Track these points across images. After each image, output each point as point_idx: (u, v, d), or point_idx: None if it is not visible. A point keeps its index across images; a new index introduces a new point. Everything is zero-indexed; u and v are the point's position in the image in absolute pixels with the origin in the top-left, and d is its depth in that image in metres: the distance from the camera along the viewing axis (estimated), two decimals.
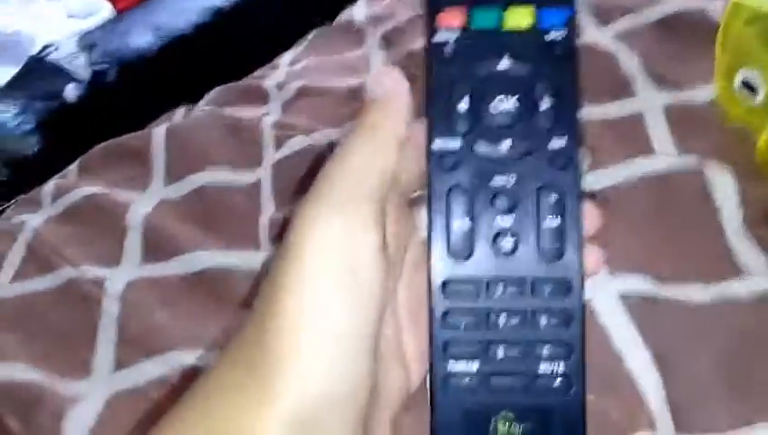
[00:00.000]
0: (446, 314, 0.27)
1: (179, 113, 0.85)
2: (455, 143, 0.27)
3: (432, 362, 0.28)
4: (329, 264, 0.25)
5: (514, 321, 0.27)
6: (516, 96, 0.27)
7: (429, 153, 0.27)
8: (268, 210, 0.67)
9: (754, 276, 0.47)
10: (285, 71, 0.89)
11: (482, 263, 0.27)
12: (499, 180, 0.27)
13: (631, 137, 0.57)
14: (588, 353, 0.27)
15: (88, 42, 1.62)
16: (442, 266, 0.27)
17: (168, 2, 1.71)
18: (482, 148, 0.27)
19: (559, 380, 0.27)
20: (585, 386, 0.27)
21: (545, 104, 0.27)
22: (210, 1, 1.66)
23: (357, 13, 0.94)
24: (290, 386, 0.24)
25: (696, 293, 0.47)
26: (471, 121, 0.27)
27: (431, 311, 0.28)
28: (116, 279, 0.64)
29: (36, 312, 0.65)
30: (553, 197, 0.27)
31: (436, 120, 0.28)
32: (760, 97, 0.52)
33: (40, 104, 1.49)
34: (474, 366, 0.27)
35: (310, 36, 0.96)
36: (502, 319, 0.27)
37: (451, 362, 0.27)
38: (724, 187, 0.50)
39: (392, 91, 0.28)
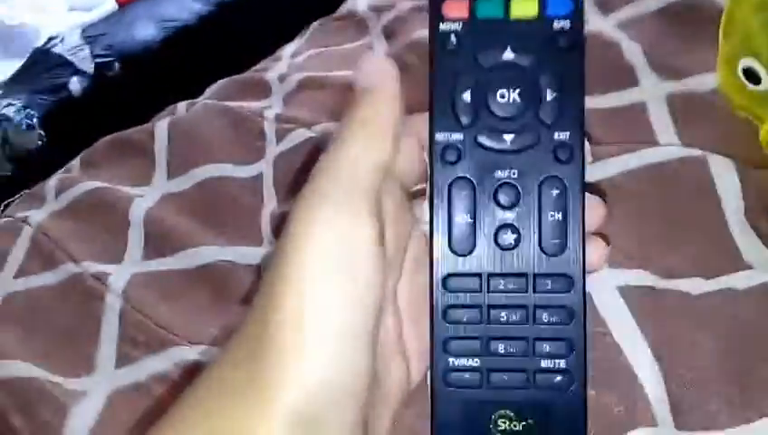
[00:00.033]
0: (447, 309, 0.27)
1: (182, 107, 0.85)
2: (458, 135, 0.27)
3: (433, 357, 0.27)
4: (326, 257, 0.25)
5: (516, 316, 0.27)
6: (521, 87, 0.27)
7: (432, 145, 0.27)
8: (270, 204, 0.67)
9: (756, 269, 0.46)
10: (287, 63, 0.88)
11: (483, 258, 0.27)
12: (501, 174, 0.27)
13: (633, 127, 0.56)
14: (588, 349, 0.27)
15: (91, 34, 1.63)
16: (444, 261, 0.27)
17: None
18: (485, 140, 0.27)
19: (560, 376, 0.27)
20: (587, 382, 0.27)
21: (550, 96, 0.27)
22: None
23: (359, 3, 0.93)
24: (291, 382, 0.24)
25: (696, 286, 0.46)
26: (474, 113, 0.27)
27: (432, 306, 0.27)
28: (119, 275, 0.65)
29: (40, 307, 0.65)
30: (556, 191, 0.27)
31: (439, 112, 0.27)
32: (763, 85, 0.52)
33: (44, 98, 1.50)
34: (475, 362, 0.27)
35: (312, 27, 0.96)
36: (503, 315, 0.27)
37: (452, 357, 0.27)
38: (726, 177, 0.50)
39: (381, 81, 0.28)
